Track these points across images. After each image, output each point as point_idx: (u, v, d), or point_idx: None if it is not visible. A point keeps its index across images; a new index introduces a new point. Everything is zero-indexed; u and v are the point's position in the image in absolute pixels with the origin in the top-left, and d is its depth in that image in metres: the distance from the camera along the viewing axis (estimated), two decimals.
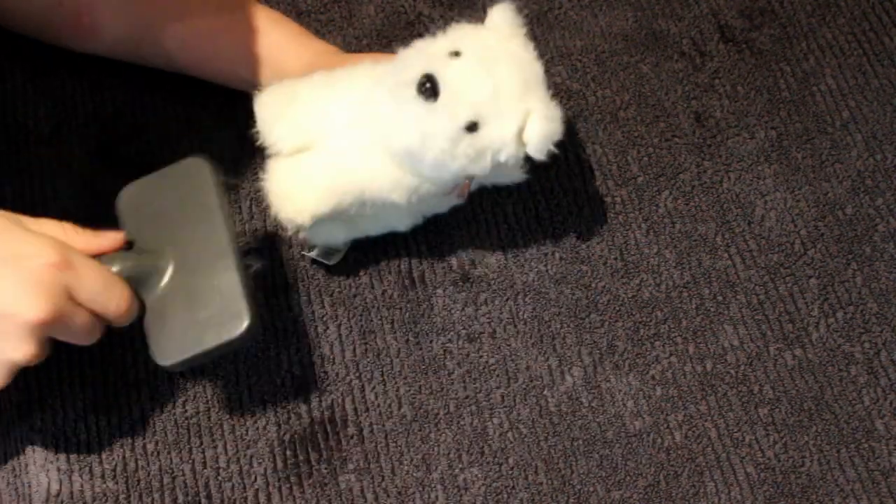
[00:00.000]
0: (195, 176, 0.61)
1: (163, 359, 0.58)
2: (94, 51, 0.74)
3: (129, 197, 0.62)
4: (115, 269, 0.58)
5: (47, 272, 0.54)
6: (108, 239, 0.59)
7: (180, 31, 0.70)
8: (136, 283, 0.59)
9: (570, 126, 0.78)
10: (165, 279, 0.59)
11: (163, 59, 0.72)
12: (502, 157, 0.60)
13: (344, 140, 0.62)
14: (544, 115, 0.60)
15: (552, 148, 0.60)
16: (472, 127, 0.59)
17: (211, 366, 0.68)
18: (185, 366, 0.59)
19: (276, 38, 0.70)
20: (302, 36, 0.71)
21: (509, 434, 0.67)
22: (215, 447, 0.66)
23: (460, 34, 0.62)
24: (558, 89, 0.79)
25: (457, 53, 0.60)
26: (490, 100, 0.59)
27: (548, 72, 0.80)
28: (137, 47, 0.72)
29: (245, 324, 0.57)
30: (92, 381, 0.67)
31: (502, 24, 0.62)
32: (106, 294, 0.56)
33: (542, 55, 0.80)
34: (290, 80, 0.65)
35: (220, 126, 0.75)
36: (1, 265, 0.54)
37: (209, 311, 0.58)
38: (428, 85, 0.58)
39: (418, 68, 0.59)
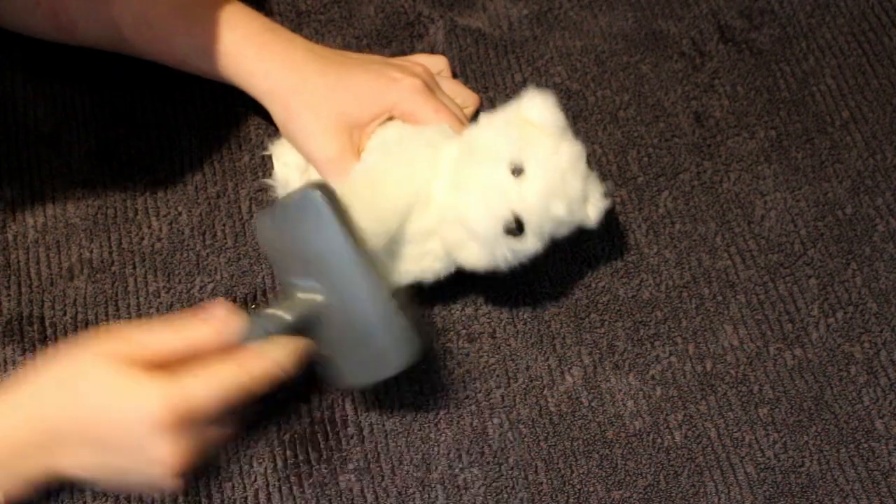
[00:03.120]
0: (318, 212, 0.57)
1: (349, 381, 0.62)
2: (83, 44, 0.73)
3: (264, 232, 0.62)
4: (270, 328, 0.57)
5: (161, 427, 0.53)
6: (225, 324, 0.57)
7: (143, 27, 0.69)
8: (299, 329, 0.59)
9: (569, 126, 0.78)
10: (320, 315, 0.59)
11: (132, 50, 0.72)
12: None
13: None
14: (598, 200, 0.66)
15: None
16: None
17: None
18: (363, 386, 0.65)
19: (236, 36, 0.68)
20: (266, 34, 0.69)
21: (509, 434, 0.67)
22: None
23: (513, 135, 0.64)
24: (558, 89, 0.79)
25: (518, 170, 0.63)
26: (566, 216, 0.64)
27: (548, 72, 0.80)
28: (116, 40, 0.71)
29: (410, 354, 0.59)
30: None
31: (547, 122, 0.65)
32: (229, 397, 0.55)
33: (542, 55, 0.81)
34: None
35: (220, 126, 0.75)
36: (113, 447, 0.54)
37: (377, 344, 0.59)
38: (515, 226, 0.62)
39: (497, 201, 0.62)
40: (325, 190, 0.57)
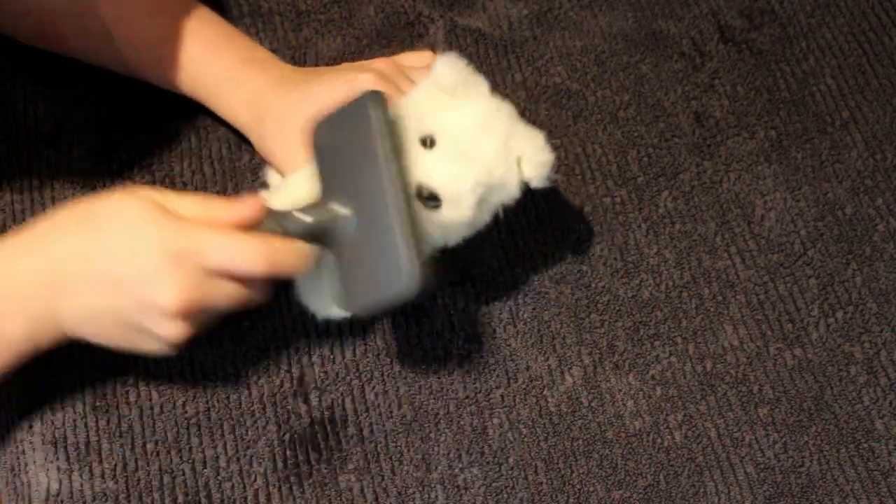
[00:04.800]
0: (362, 117, 0.59)
1: (348, 304, 0.61)
2: (73, 55, 0.74)
3: (319, 133, 0.62)
4: (289, 227, 0.59)
5: (169, 261, 0.55)
6: (249, 207, 0.58)
7: (127, 36, 0.71)
8: (316, 236, 0.60)
9: (569, 126, 0.78)
10: (344, 229, 0.59)
11: (122, 66, 0.73)
12: (512, 202, 0.64)
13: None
14: (534, 155, 0.63)
15: (552, 174, 0.64)
16: (479, 202, 0.62)
17: (211, 364, 0.68)
18: (364, 312, 0.62)
19: (213, 69, 0.70)
20: (229, 42, 0.71)
21: (509, 434, 0.67)
22: (215, 447, 0.66)
23: (421, 107, 0.62)
24: (558, 89, 0.79)
25: (429, 141, 0.61)
26: (484, 178, 0.62)
27: (548, 72, 0.80)
28: (100, 55, 0.73)
29: (414, 280, 0.56)
30: (92, 381, 0.67)
31: (453, 84, 0.63)
32: (246, 263, 0.57)
33: (542, 55, 0.80)
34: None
35: (220, 126, 0.75)
36: (127, 262, 0.56)
37: (386, 262, 0.58)
38: (427, 196, 0.61)
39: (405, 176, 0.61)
40: (378, 97, 0.59)
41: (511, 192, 0.63)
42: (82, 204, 0.58)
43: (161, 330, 0.57)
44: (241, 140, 0.75)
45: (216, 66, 0.70)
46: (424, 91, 0.64)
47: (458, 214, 0.62)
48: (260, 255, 0.57)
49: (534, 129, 0.64)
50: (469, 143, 0.61)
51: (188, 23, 0.70)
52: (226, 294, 0.57)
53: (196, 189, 0.73)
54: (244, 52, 0.71)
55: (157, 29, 0.70)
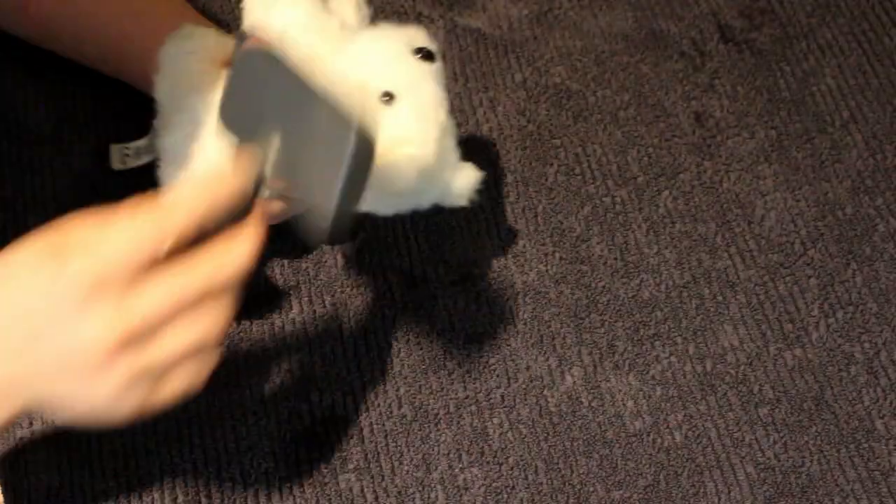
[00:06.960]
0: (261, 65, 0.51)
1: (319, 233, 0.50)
2: (43, 44, 0.73)
3: (225, 109, 0.54)
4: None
5: (108, 363, 0.45)
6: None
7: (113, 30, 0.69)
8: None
9: (569, 126, 0.78)
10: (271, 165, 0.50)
11: (100, 59, 0.72)
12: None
13: None
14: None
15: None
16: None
17: None
18: (339, 228, 0.49)
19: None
20: None
21: (509, 434, 0.67)
22: (215, 447, 0.66)
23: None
24: (558, 89, 0.79)
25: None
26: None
27: (548, 72, 0.80)
28: (79, 42, 0.71)
29: (352, 129, 0.46)
30: None
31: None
32: (201, 327, 0.47)
33: (542, 55, 0.81)
34: None
35: None
36: (55, 370, 0.46)
37: (321, 148, 0.48)
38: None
39: None
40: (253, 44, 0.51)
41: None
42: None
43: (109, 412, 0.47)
44: None
45: None
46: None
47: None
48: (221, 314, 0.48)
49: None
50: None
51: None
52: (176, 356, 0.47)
53: None
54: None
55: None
